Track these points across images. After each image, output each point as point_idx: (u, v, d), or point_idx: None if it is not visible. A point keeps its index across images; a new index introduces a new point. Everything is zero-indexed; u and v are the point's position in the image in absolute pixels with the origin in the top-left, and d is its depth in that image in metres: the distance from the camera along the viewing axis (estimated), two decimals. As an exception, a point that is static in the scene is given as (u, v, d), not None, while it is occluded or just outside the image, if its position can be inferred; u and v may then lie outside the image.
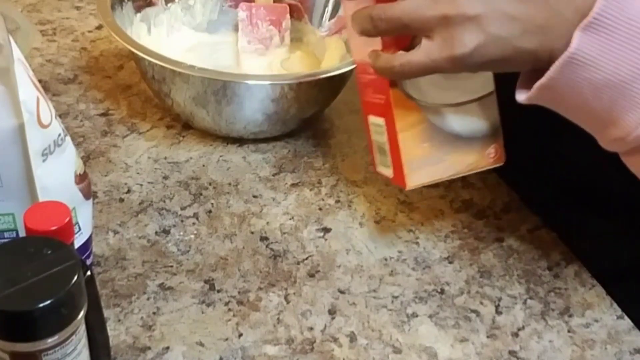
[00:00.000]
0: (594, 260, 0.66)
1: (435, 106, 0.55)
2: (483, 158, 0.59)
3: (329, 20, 0.85)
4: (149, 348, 0.56)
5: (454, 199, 0.72)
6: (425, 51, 0.52)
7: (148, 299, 0.59)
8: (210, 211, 0.68)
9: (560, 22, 0.50)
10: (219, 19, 0.87)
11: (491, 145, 0.59)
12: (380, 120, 0.58)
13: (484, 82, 0.57)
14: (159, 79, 0.72)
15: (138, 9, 0.80)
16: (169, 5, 0.84)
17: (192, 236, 0.65)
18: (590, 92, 0.51)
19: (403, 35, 0.54)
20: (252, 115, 0.73)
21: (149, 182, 0.71)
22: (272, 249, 0.65)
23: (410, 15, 0.52)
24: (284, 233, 0.66)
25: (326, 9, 0.85)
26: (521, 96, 0.53)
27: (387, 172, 0.59)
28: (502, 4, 0.50)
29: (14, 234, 0.52)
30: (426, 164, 0.57)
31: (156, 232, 0.65)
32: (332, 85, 0.75)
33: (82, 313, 0.40)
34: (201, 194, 0.70)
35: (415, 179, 0.57)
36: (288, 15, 0.83)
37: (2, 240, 0.52)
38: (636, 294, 0.65)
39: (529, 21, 0.50)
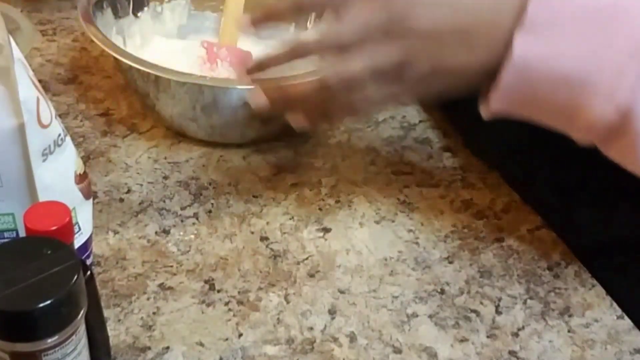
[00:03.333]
0: (594, 260, 0.66)
1: None
2: None
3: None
4: (149, 348, 0.56)
5: (454, 199, 0.72)
6: None
7: (148, 299, 0.59)
8: (210, 211, 0.68)
9: (496, 29, 0.49)
10: (188, 23, 0.85)
11: None
12: None
13: None
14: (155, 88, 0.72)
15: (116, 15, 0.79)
16: (139, 14, 0.82)
17: (192, 236, 0.65)
18: (546, 90, 0.50)
19: None
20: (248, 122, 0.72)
21: (149, 182, 0.71)
22: (272, 249, 0.65)
23: None
24: (284, 233, 0.66)
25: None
26: (484, 111, 0.54)
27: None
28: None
29: (14, 234, 0.52)
30: None
31: (156, 232, 0.65)
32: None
33: (82, 313, 0.40)
34: (201, 194, 0.70)
35: None
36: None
37: (2, 240, 0.52)
38: (637, 294, 0.65)
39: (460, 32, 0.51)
